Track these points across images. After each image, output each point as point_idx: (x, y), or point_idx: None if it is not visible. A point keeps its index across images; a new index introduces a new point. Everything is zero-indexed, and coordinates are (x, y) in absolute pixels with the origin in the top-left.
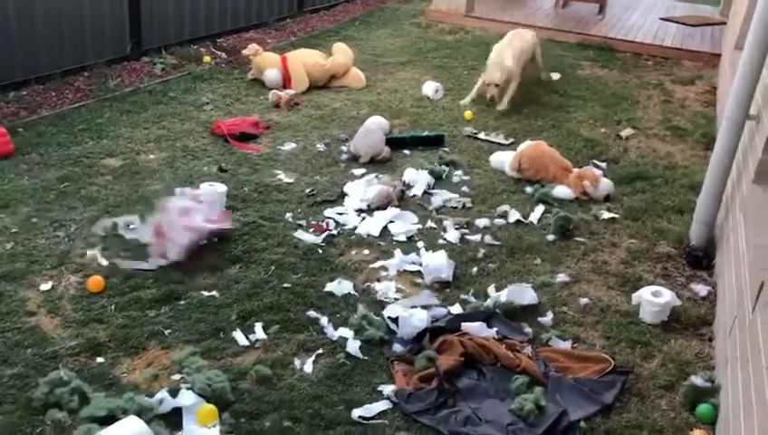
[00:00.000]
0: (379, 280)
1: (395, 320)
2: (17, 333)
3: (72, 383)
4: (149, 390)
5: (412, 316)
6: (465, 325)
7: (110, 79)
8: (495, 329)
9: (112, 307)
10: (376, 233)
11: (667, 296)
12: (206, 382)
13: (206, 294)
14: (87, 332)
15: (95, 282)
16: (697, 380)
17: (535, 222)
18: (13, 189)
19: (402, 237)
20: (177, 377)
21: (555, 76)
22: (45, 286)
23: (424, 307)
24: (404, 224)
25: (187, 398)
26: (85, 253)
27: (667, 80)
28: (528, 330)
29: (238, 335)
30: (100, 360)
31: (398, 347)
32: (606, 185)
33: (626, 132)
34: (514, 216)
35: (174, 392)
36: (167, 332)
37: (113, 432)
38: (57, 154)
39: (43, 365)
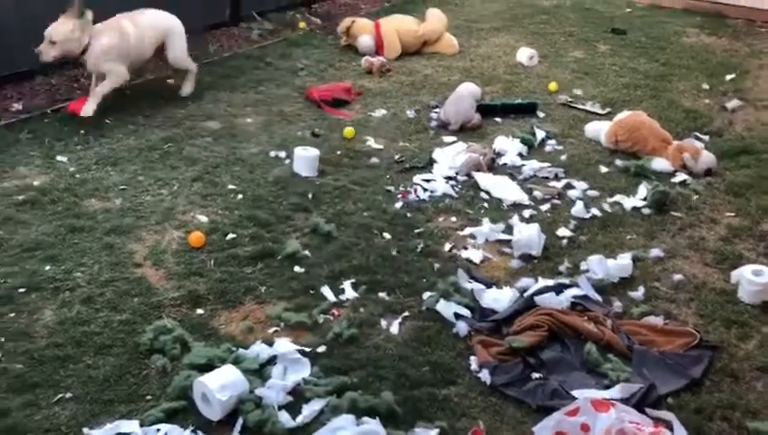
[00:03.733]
0: (465, 247)
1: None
2: (125, 282)
3: (174, 332)
4: (245, 342)
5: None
6: (538, 299)
7: (209, 44)
8: (572, 296)
9: (212, 262)
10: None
11: None
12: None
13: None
14: (188, 284)
15: (196, 237)
16: None
17: (639, 203)
18: (121, 148)
19: (493, 204)
20: (271, 331)
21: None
22: (151, 241)
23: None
24: (503, 191)
25: (282, 346)
26: (186, 210)
27: None
28: (618, 304)
29: (328, 293)
30: (200, 311)
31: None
32: (707, 158)
33: (732, 104)
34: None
35: (269, 343)
36: (261, 288)
37: (211, 379)
38: (161, 115)
39: (148, 313)
